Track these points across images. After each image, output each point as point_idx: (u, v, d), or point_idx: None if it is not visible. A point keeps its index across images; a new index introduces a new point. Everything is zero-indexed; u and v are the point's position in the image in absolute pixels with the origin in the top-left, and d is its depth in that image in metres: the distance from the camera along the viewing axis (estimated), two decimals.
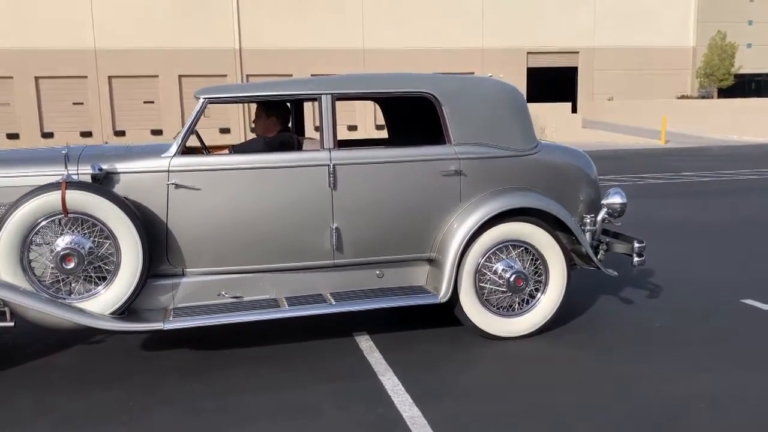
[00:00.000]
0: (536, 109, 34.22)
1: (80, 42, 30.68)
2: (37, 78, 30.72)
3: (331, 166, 4.25)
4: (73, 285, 3.98)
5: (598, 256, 4.95)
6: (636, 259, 4.77)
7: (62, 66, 30.45)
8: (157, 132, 31.33)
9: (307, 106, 5.89)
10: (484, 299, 4.55)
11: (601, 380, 3.92)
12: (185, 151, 4.21)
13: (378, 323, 4.95)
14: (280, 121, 4.68)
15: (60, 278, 3.92)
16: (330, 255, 4.35)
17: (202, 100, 4.19)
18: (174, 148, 4.16)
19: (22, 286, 3.86)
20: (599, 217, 4.74)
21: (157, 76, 31.06)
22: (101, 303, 3.97)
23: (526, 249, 4.58)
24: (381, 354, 4.39)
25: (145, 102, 31.44)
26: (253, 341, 4.65)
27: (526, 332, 4.60)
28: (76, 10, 30.43)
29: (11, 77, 30.33)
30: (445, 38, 34.36)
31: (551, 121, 33.09)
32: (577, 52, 36.61)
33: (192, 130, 4.21)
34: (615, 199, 4.73)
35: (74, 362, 4.36)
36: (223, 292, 4.29)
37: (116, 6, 30.76)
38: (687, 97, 36.71)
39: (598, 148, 26.12)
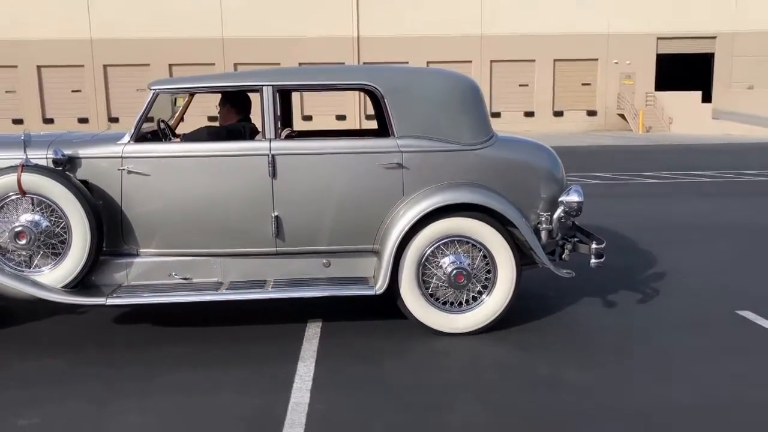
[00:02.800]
0: (662, 98, 32.44)
1: (209, 31, 32.52)
2: (171, 65, 32.87)
3: (270, 156, 4.37)
4: (33, 259, 4.38)
5: (563, 256, 4.75)
6: (594, 260, 4.54)
7: (193, 54, 32.43)
8: None
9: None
10: (428, 294, 4.51)
11: (515, 385, 3.79)
12: (139, 138, 4.49)
13: (341, 311, 5.02)
14: (236, 111, 4.86)
15: (19, 252, 4.33)
16: (272, 243, 4.48)
17: (152, 92, 4.45)
18: (127, 136, 4.45)
19: None
20: (555, 215, 4.53)
21: (279, 63, 32.27)
22: (54, 277, 4.33)
23: (474, 245, 4.48)
24: (319, 341, 4.48)
25: None
26: (209, 322, 4.89)
27: (471, 329, 4.52)
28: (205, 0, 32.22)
29: (148, 64, 32.63)
30: (567, 23, 33.17)
31: (677, 111, 31.24)
32: (714, 37, 34.16)
33: (144, 119, 4.48)
34: (572, 197, 4.50)
35: (56, 330, 4.78)
36: (173, 273, 4.54)
37: None
38: None
39: (722, 140, 24.39)
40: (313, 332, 4.65)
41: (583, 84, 34.32)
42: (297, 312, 5.01)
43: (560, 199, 4.55)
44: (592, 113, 34.58)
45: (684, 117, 30.87)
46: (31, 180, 4.23)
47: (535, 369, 4.01)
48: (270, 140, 4.40)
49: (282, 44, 32.24)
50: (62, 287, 4.34)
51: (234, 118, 4.85)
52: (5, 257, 4.35)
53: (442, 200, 4.35)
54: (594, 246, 4.52)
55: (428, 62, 33.27)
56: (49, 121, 33.12)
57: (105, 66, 32.73)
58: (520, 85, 34.06)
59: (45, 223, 4.31)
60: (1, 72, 32.80)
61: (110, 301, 4.30)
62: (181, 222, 4.45)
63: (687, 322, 4.77)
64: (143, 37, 31.83)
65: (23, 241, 4.25)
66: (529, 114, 34.28)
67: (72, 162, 4.44)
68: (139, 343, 4.51)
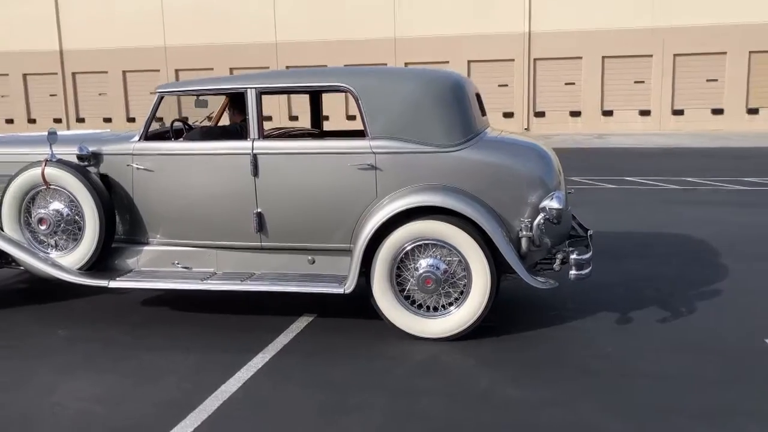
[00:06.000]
0: None
1: (384, 32, 33.53)
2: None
3: (252, 155, 4.58)
4: (57, 243, 4.96)
5: (554, 266, 4.48)
6: (573, 272, 4.23)
7: (366, 53, 33.53)
8: None
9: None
10: (404, 296, 4.47)
11: (443, 396, 3.68)
12: (149, 137, 4.92)
13: (345, 307, 5.10)
14: (239, 112, 5.12)
15: (42, 237, 4.93)
16: (257, 238, 4.70)
17: (158, 94, 4.85)
18: (137, 135, 4.89)
19: (21, 240, 4.95)
20: (535, 222, 4.27)
21: (448, 62, 32.43)
22: (71, 259, 4.90)
23: (450, 250, 4.37)
24: (296, 335, 4.62)
25: None
26: (216, 308, 5.21)
27: (444, 336, 4.42)
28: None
29: (323, 66, 34.15)
30: (766, 10, 29.90)
31: None
32: None
33: (153, 119, 4.88)
34: (552, 204, 4.20)
35: (85, 308, 5.36)
36: (176, 262, 4.92)
37: None
38: None
39: None
40: (297, 326, 4.80)
41: None
42: (299, 305, 5.18)
43: (541, 206, 4.28)
44: None
45: None
46: (52, 173, 4.81)
47: (477, 383, 3.85)
48: (253, 140, 4.61)
49: (449, 43, 32.41)
50: (77, 269, 4.88)
51: (238, 118, 5.14)
52: (36, 241, 4.99)
53: (408, 203, 4.29)
54: (573, 257, 4.22)
55: (603, 57, 31.78)
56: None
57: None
58: (707, 81, 31.35)
59: (65, 212, 4.87)
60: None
61: (113, 284, 4.76)
62: (179, 215, 4.81)
63: (697, 347, 4.28)
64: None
65: (44, 227, 4.85)
66: (717, 111, 31.44)
67: (96, 158, 4.97)
68: (143, 322, 4.95)
